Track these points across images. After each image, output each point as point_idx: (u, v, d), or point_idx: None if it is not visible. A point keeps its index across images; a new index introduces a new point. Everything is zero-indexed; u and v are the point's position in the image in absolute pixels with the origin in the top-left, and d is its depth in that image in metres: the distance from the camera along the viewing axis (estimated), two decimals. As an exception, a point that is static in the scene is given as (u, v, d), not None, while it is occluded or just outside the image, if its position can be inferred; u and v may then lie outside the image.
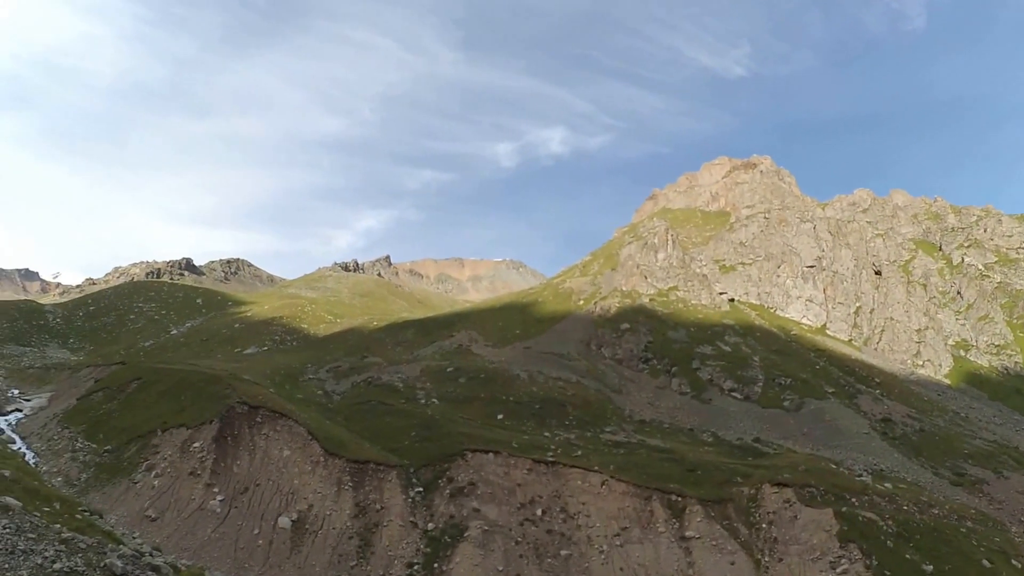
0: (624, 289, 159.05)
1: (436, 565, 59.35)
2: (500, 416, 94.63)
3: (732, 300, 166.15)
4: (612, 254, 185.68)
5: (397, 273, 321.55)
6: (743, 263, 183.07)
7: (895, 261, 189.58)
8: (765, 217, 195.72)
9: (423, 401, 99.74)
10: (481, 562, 59.21)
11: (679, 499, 68.75)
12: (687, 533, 65.18)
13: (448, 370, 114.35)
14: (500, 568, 59.27)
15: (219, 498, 62.97)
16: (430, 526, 63.82)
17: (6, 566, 26.92)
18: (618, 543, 63.93)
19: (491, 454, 72.70)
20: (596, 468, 72.05)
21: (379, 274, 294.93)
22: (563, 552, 62.54)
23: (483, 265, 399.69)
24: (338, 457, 70.09)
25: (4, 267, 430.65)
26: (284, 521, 61.47)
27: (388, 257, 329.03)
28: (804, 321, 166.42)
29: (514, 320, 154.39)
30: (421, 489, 68.48)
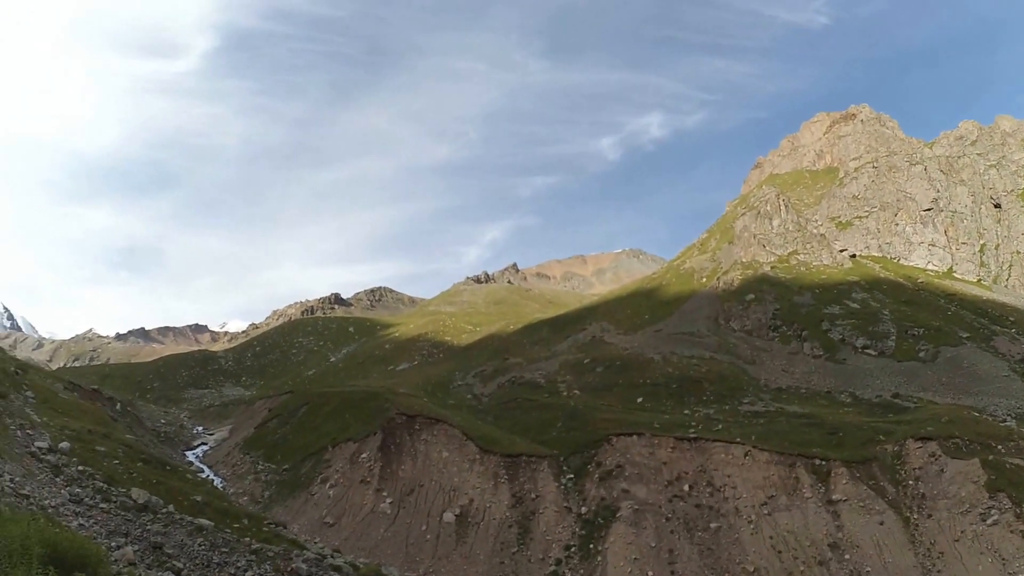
0: (744, 261, 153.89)
1: (592, 546, 58.77)
2: (639, 399, 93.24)
3: (853, 256, 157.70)
4: (727, 228, 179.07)
5: (525, 278, 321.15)
6: (859, 217, 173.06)
7: (1012, 191, 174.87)
8: (874, 166, 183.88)
9: (565, 393, 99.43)
10: (634, 540, 58.18)
11: (823, 463, 65.42)
12: (834, 496, 61.92)
13: (585, 362, 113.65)
14: (653, 544, 58.08)
15: (388, 501, 64.64)
16: (583, 509, 63.18)
17: (203, 577, 27.88)
18: (766, 512, 61.34)
19: (635, 436, 71.35)
20: (738, 440, 69.55)
21: (509, 281, 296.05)
22: (712, 525, 60.60)
23: (604, 258, 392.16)
24: (492, 453, 70.54)
25: (176, 325, 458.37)
26: (448, 516, 62.39)
27: (515, 264, 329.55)
28: (929, 267, 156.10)
29: (641, 306, 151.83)
30: (572, 475, 67.97)
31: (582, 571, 56.89)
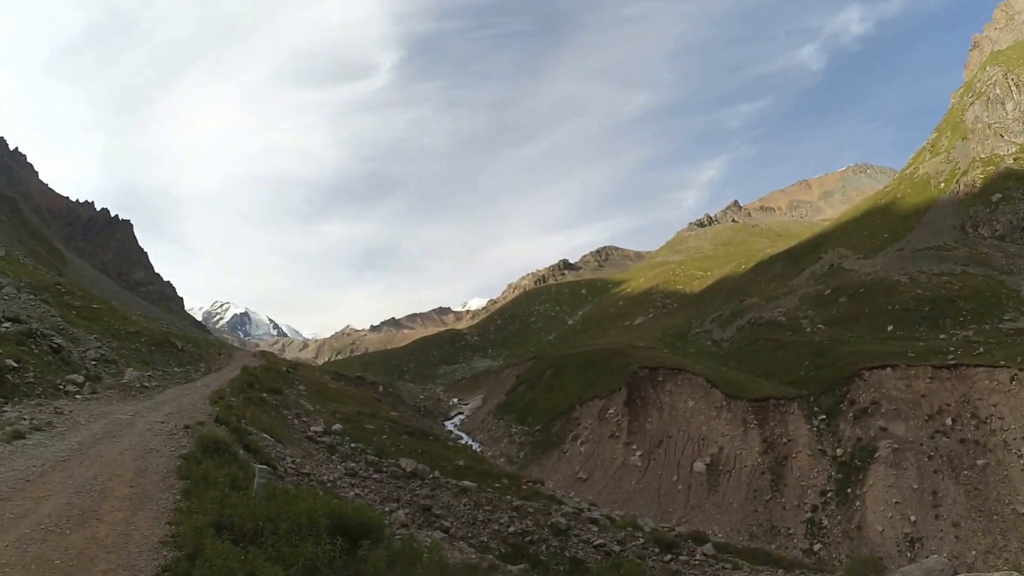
0: (982, 156, 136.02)
1: (849, 490, 54.89)
2: (889, 327, 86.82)
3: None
4: (956, 122, 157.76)
5: (749, 214, 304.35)
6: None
7: None
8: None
9: (808, 329, 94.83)
10: (895, 482, 53.25)
11: (1099, 384, 57.35)
12: (1111, 422, 54.20)
13: (825, 293, 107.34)
14: (915, 486, 52.70)
15: (638, 453, 65.29)
16: (838, 451, 59.06)
17: (469, 535, 29.97)
18: (1037, 444, 54.58)
19: (888, 368, 65.84)
20: (1003, 363, 61.69)
21: (732, 220, 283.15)
22: (979, 462, 53.86)
23: (829, 180, 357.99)
24: (739, 399, 68.56)
25: (423, 310, 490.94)
26: (699, 466, 61.73)
27: (736, 201, 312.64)
28: None
29: (877, 225, 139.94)
30: (824, 416, 63.72)
31: (839, 517, 53.58)
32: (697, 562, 31.90)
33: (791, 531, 54.32)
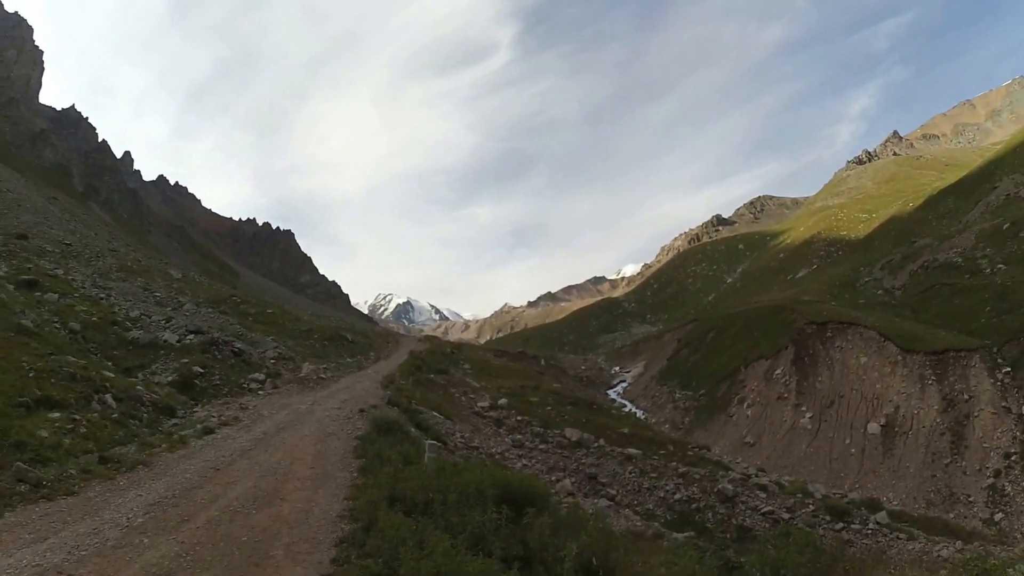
0: None
1: None
2: (1081, 261, 79.50)
3: None
4: None
5: (911, 144, 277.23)
6: None
7: None
8: None
9: (988, 270, 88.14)
10: None
11: None
12: None
13: (1004, 227, 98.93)
14: None
15: (808, 415, 62.99)
16: None
17: (635, 502, 30.41)
18: None
19: None
20: None
21: (894, 153, 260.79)
22: None
23: (994, 96, 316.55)
24: (915, 352, 63.91)
25: (577, 282, 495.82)
26: (873, 427, 58.51)
27: (895, 132, 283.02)
28: None
29: None
30: (1009, 368, 57.44)
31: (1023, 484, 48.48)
32: (870, 531, 30.70)
33: (971, 499, 49.65)
